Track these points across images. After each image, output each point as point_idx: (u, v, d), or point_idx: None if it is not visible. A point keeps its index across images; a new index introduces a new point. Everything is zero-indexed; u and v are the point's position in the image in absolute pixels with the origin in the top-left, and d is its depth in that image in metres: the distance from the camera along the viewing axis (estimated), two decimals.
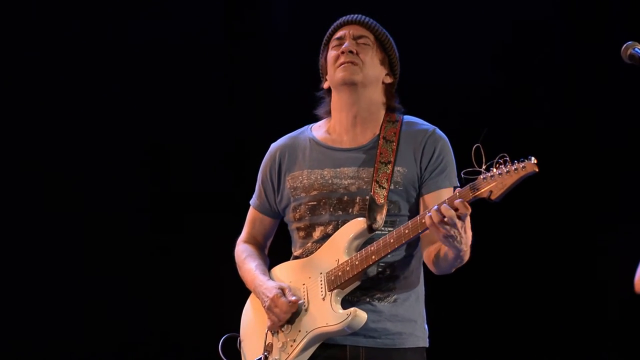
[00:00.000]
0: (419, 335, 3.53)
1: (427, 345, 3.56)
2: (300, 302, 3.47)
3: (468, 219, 3.26)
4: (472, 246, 3.36)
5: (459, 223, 3.21)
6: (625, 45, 3.09)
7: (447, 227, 3.22)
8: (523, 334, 5.60)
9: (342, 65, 3.55)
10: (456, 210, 3.20)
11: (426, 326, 3.58)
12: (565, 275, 5.55)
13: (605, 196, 5.50)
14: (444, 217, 3.20)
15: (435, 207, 3.23)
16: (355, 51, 3.55)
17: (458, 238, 3.24)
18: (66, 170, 5.84)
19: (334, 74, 3.58)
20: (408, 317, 3.50)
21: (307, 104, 3.76)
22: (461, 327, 5.55)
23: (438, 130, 3.57)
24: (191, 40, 5.92)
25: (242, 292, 3.70)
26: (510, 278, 5.57)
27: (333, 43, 3.62)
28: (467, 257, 3.38)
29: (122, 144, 5.89)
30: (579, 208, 5.52)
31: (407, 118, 3.61)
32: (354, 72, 3.54)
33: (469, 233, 3.32)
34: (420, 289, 3.57)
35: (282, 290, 3.49)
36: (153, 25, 5.89)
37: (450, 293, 5.11)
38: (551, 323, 5.58)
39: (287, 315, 3.46)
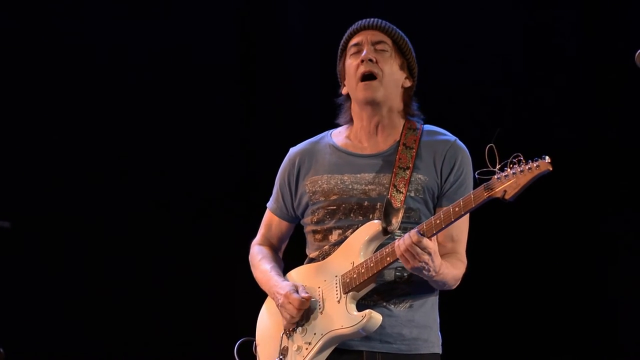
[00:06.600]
0: (433, 342, 3.53)
1: (440, 352, 3.56)
2: (313, 300, 3.47)
3: (436, 247, 3.29)
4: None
5: (423, 255, 3.25)
6: (638, 52, 3.09)
7: (411, 256, 3.26)
8: (536, 341, 5.55)
9: (363, 83, 3.54)
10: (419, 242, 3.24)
11: (440, 333, 3.58)
12: (582, 283, 5.51)
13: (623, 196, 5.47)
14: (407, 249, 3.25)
15: (400, 239, 3.29)
16: (374, 59, 3.55)
17: (426, 267, 3.28)
18: (80, 180, 5.92)
19: (355, 88, 3.58)
20: (424, 323, 3.50)
21: (324, 112, 3.80)
22: (474, 335, 5.51)
23: (459, 142, 3.58)
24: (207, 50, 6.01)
25: (256, 296, 3.71)
26: (524, 285, 5.52)
27: (351, 50, 3.62)
28: (448, 278, 3.40)
29: (139, 152, 5.97)
30: (594, 213, 5.49)
31: (428, 127, 3.62)
32: (375, 89, 3.54)
33: (437, 261, 3.31)
34: (435, 295, 3.57)
35: (295, 288, 3.50)
36: (170, 33, 5.98)
37: (462, 300, 5.09)
38: (565, 331, 5.53)
39: (300, 312, 3.45)
